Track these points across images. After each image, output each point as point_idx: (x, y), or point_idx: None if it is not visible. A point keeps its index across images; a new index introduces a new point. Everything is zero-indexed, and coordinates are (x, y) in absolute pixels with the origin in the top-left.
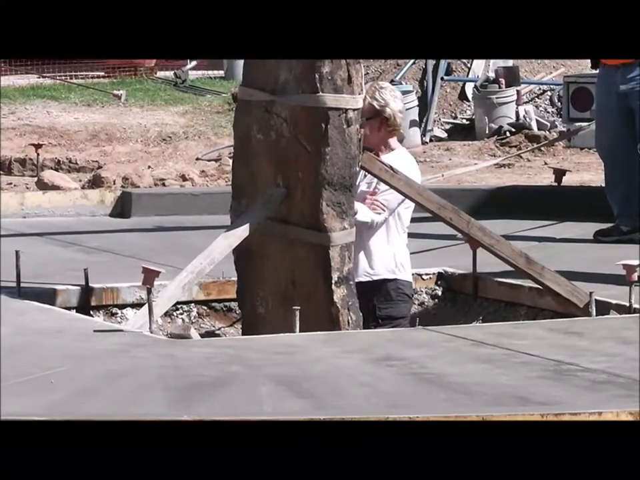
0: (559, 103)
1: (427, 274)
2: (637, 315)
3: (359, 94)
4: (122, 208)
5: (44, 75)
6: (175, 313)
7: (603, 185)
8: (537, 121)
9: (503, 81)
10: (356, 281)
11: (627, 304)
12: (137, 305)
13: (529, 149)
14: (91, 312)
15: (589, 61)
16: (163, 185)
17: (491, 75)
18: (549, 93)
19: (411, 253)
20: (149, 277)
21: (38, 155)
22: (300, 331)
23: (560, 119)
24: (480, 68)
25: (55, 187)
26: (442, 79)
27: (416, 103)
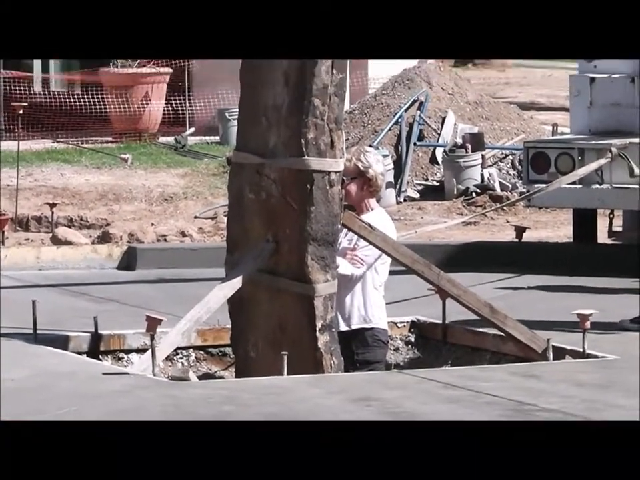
0: (520, 166)
1: (401, 322)
2: (590, 359)
3: (341, 157)
4: (128, 261)
5: (58, 140)
6: (175, 358)
7: (560, 241)
8: (500, 182)
9: (469, 146)
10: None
11: (581, 350)
12: (141, 350)
13: (492, 208)
14: (100, 356)
15: (546, 127)
16: (165, 240)
17: (459, 140)
18: (510, 157)
19: (387, 303)
20: (152, 324)
21: (52, 213)
22: (287, 374)
23: (520, 181)
24: (449, 134)
25: (68, 242)
26: (415, 144)
27: (391, 166)
